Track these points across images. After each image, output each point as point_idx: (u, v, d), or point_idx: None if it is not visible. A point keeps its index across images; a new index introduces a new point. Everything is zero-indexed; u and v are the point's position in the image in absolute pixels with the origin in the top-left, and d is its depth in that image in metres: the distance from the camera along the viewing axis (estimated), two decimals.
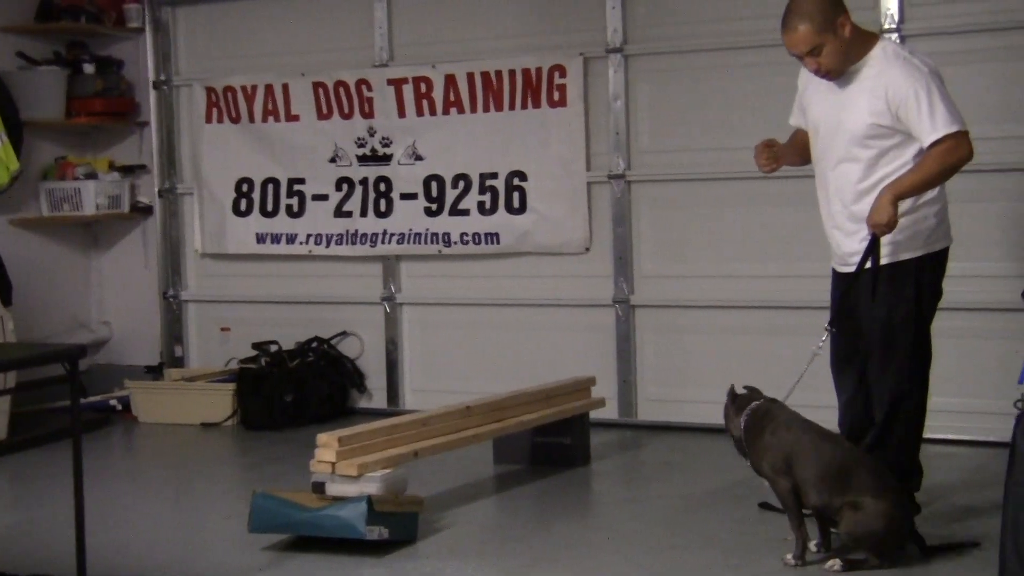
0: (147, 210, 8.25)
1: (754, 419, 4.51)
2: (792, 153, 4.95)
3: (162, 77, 8.10)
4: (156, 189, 8.17)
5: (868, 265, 4.57)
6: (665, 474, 6.07)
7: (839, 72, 4.61)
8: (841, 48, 4.54)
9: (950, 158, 4.47)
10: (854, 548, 4.37)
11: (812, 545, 4.49)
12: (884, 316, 4.62)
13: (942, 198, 4.69)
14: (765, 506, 5.08)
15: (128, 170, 8.24)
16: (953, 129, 4.48)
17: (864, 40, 4.62)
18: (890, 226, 4.47)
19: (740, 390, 4.66)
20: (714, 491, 5.57)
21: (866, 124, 4.57)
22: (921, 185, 4.49)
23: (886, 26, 6.28)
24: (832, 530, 4.50)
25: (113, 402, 7.65)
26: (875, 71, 4.57)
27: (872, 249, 4.55)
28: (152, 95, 8.12)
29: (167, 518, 5.59)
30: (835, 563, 4.36)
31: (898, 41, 4.69)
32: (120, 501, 5.71)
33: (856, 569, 4.34)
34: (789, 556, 4.43)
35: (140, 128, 8.26)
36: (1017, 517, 3.64)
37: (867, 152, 4.60)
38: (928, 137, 4.47)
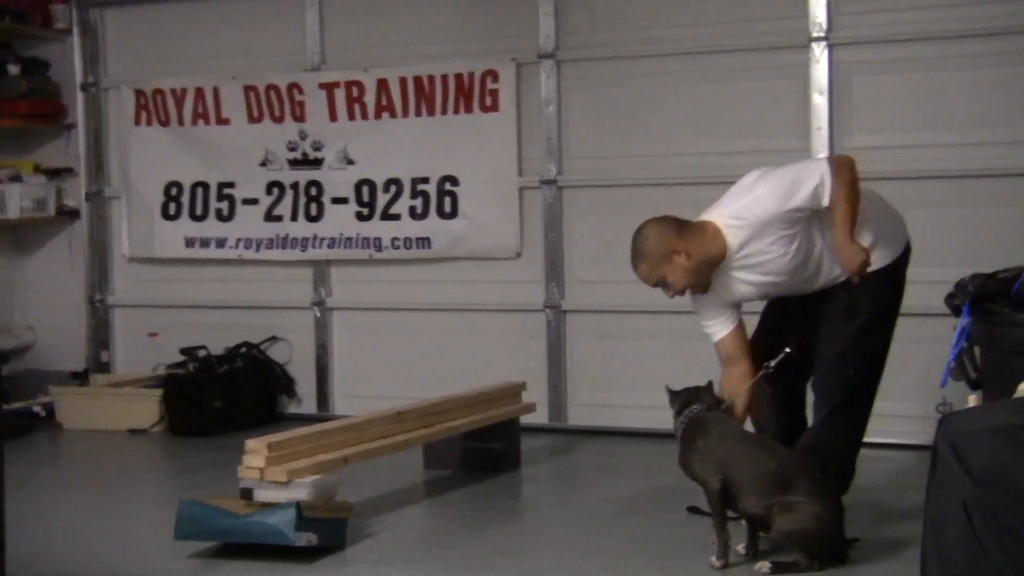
0: (73, 214, 8.15)
1: (691, 426, 4.54)
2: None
3: (90, 79, 8.01)
4: (83, 192, 8.08)
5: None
6: (595, 479, 6.09)
7: (699, 285, 4.69)
8: (684, 272, 4.63)
9: (847, 179, 4.57)
10: (786, 547, 4.40)
11: (740, 548, 4.52)
12: (855, 321, 4.72)
13: (880, 222, 4.77)
14: (694, 510, 5.11)
15: (54, 173, 8.15)
16: (820, 163, 4.64)
17: (711, 236, 4.63)
18: (868, 258, 4.60)
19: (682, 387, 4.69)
20: (644, 495, 5.60)
21: (793, 255, 4.63)
22: (853, 214, 4.58)
23: (815, 35, 6.37)
24: (762, 534, 4.54)
25: (37, 408, 7.53)
26: (747, 234, 4.60)
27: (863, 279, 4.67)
28: (79, 97, 8.03)
29: (92, 525, 5.51)
30: (764, 565, 4.39)
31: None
32: (43, 509, 5.63)
33: (785, 572, 4.37)
34: (714, 559, 4.45)
35: (67, 130, 8.16)
36: (938, 519, 3.69)
37: (810, 258, 4.69)
38: (821, 191, 4.55)
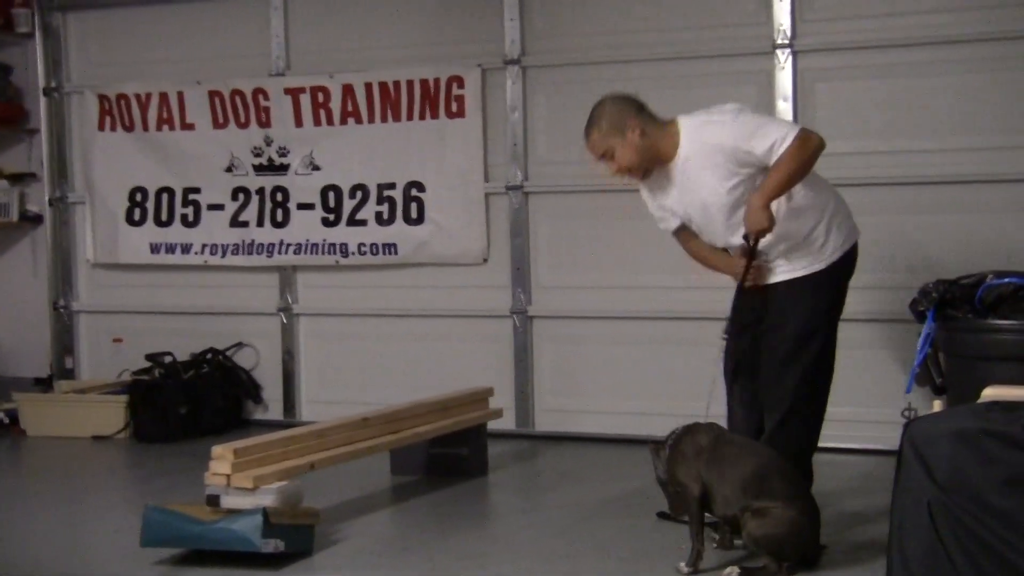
0: (37, 219, 8.11)
1: (678, 439, 4.57)
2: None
3: (53, 84, 7.96)
4: (46, 198, 8.03)
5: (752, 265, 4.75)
6: (561, 484, 6.10)
7: (638, 169, 4.79)
8: (632, 149, 4.73)
9: (804, 152, 4.60)
10: (756, 551, 4.40)
11: (713, 534, 4.52)
12: (789, 327, 4.74)
13: (823, 216, 4.78)
14: (663, 515, 5.12)
15: (17, 178, 8.11)
16: (794, 127, 4.69)
17: (669, 134, 4.75)
18: (769, 228, 4.63)
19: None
20: (610, 500, 5.61)
21: (725, 193, 4.70)
22: (785, 183, 4.62)
23: (779, 41, 6.41)
24: (717, 544, 4.56)
25: (0, 415, 7.47)
26: (696, 148, 4.70)
27: (752, 253, 4.71)
28: (42, 102, 7.98)
29: (56, 532, 5.47)
30: (733, 570, 4.40)
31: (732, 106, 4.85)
32: (7, 516, 5.59)
33: None
34: (683, 564, 4.46)
35: (29, 135, 8.12)
36: (903, 523, 3.73)
37: (739, 210, 4.71)
38: (778, 147, 4.58)
